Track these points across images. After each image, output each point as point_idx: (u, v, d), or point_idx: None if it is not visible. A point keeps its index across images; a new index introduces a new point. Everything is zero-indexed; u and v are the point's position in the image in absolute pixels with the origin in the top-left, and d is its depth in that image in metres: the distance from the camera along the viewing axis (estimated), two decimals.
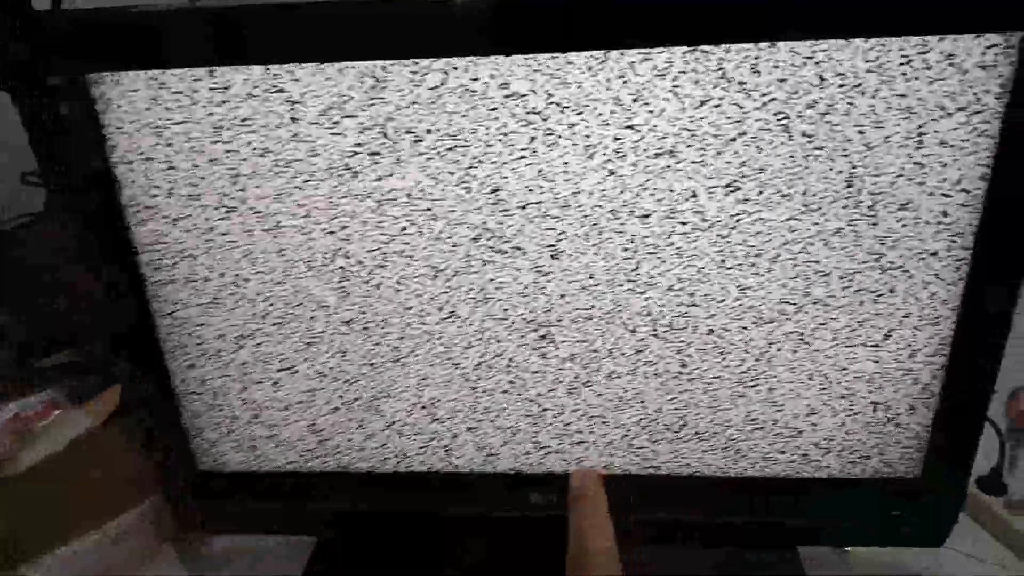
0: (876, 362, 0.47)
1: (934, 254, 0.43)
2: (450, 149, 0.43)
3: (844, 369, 0.47)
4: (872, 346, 0.46)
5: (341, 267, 0.47)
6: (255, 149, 0.44)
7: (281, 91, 0.42)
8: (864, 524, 0.54)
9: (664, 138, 0.41)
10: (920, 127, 0.40)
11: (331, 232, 0.46)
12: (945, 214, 0.42)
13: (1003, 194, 0.41)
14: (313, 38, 0.41)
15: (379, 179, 0.44)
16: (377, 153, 0.43)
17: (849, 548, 0.61)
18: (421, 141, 0.43)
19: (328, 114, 0.42)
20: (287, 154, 0.44)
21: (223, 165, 0.44)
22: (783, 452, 0.50)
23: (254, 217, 0.46)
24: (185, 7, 0.41)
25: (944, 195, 0.41)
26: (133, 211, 0.46)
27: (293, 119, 0.43)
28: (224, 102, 0.42)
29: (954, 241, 0.43)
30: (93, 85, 0.43)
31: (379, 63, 0.41)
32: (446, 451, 0.53)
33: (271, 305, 0.48)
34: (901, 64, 0.38)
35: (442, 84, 0.41)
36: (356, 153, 0.43)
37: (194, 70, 0.42)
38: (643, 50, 0.39)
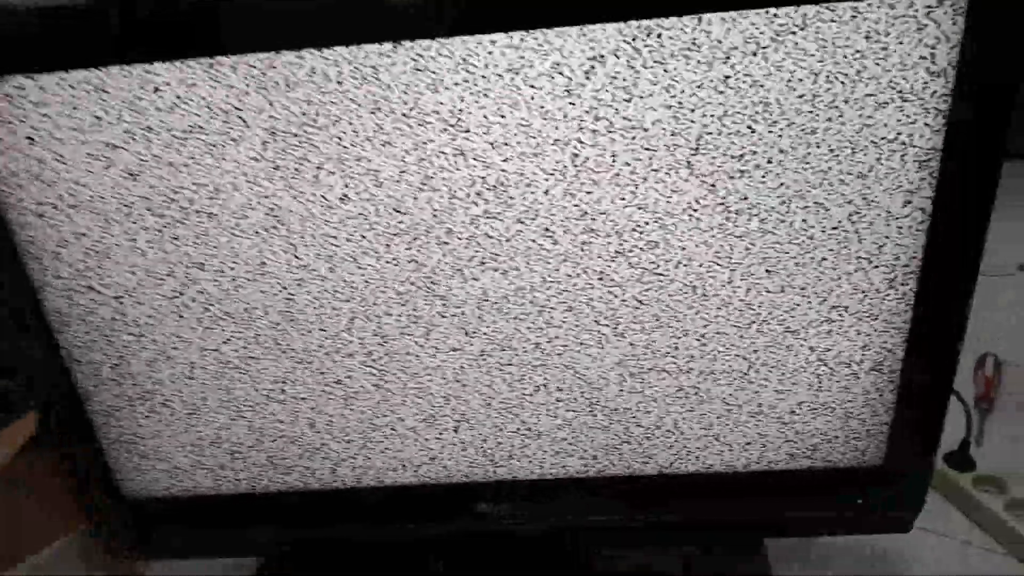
0: (832, 346, 0.44)
1: (892, 215, 0.40)
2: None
3: (801, 353, 0.44)
4: (827, 328, 0.43)
5: (270, 271, 0.43)
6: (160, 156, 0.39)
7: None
8: (829, 513, 0.51)
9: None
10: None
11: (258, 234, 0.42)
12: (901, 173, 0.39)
13: (958, 155, 0.38)
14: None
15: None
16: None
17: (815, 538, 0.59)
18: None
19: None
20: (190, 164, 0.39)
21: (123, 177, 0.40)
22: (745, 444, 0.48)
23: (169, 229, 0.41)
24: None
25: (899, 156, 0.38)
26: (22, 225, 0.42)
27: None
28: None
29: (910, 202, 0.40)
30: None
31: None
32: (391, 464, 0.50)
33: (192, 321, 0.44)
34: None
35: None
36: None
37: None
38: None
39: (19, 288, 0.44)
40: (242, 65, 0.37)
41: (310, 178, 0.40)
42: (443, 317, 0.44)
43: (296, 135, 0.39)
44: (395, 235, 0.41)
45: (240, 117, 0.38)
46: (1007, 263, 0.92)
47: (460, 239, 0.41)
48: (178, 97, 0.38)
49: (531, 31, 0.36)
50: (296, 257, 0.42)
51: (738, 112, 0.37)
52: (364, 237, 0.41)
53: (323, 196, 0.40)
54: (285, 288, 0.43)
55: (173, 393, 0.47)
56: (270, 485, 0.51)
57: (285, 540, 0.55)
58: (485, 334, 0.44)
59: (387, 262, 0.42)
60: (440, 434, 0.48)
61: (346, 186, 0.40)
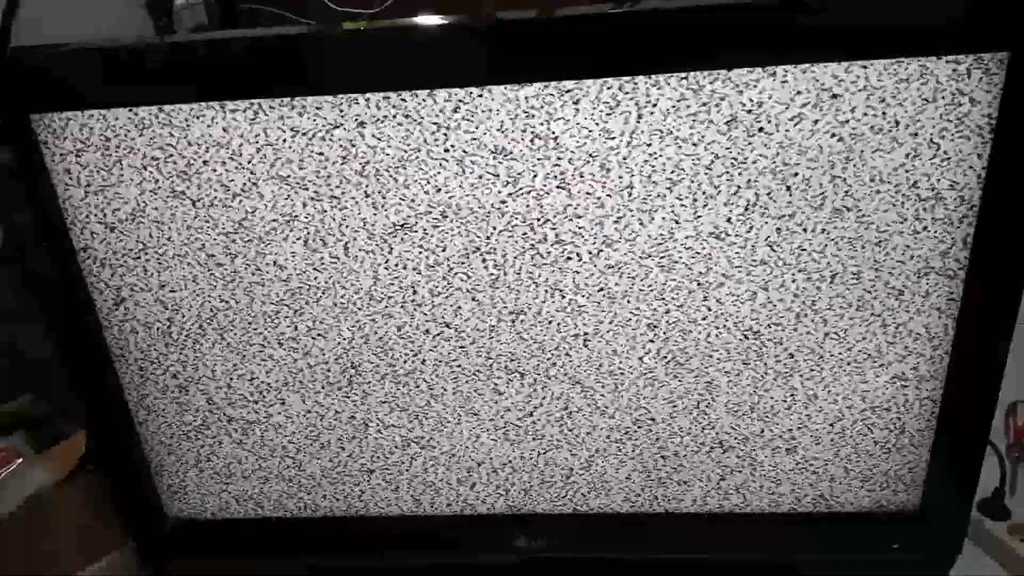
0: (870, 392, 0.45)
1: (931, 266, 0.41)
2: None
3: (839, 401, 0.45)
4: (865, 376, 0.44)
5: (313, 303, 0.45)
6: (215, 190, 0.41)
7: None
8: (865, 558, 0.51)
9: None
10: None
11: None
12: (942, 227, 0.40)
13: (998, 206, 0.39)
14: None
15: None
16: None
17: None
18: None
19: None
20: (237, 196, 0.41)
21: (180, 207, 0.42)
22: (780, 487, 0.48)
23: (211, 261, 0.43)
24: (145, 41, 0.39)
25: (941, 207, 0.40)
26: (84, 256, 0.44)
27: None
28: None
29: (948, 254, 0.41)
30: (36, 125, 0.40)
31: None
32: (430, 495, 0.50)
33: (239, 350, 0.46)
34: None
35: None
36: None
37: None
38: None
39: (69, 308, 0.46)
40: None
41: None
42: (484, 358, 0.45)
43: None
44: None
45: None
46: None
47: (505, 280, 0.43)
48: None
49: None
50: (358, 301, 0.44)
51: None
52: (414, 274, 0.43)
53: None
54: (334, 321, 0.45)
55: (223, 419, 0.49)
56: (309, 512, 0.52)
57: (324, 566, 0.56)
58: (527, 373, 0.45)
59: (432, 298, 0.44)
60: (477, 467, 0.49)
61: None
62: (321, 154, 0.40)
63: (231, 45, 0.38)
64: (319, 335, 0.45)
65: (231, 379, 0.47)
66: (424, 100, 0.38)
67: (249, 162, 0.40)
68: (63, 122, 0.40)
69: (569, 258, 0.42)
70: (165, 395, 0.48)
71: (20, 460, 0.58)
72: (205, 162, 0.41)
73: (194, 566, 0.56)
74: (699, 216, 0.40)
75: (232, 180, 0.41)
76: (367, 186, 0.40)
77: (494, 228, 0.41)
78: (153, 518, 0.53)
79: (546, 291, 0.43)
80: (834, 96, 0.37)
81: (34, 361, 0.61)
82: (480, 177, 0.40)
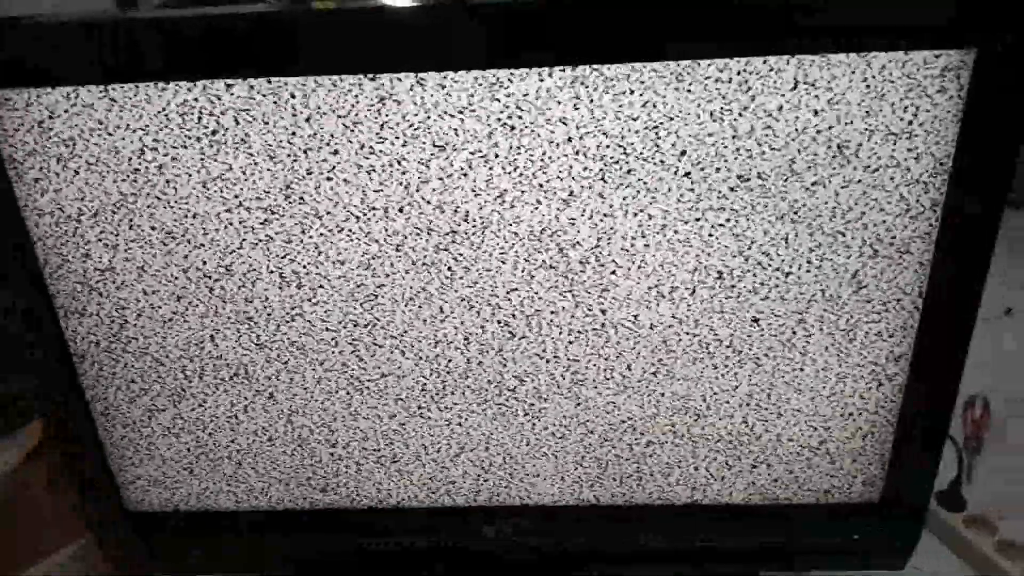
0: (832, 384, 0.45)
1: (894, 262, 0.42)
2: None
3: (800, 391, 0.46)
4: (828, 369, 0.45)
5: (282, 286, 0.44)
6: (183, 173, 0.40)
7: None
8: (824, 548, 0.52)
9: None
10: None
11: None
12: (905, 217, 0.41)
13: (961, 202, 0.40)
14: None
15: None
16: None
17: (810, 572, 0.60)
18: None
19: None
20: (213, 177, 0.40)
21: (144, 190, 0.41)
22: (740, 477, 0.49)
23: (170, 242, 0.42)
24: (106, 17, 0.38)
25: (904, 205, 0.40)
26: (42, 237, 0.43)
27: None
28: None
29: (909, 251, 0.41)
30: None
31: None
32: (398, 484, 0.50)
33: (199, 337, 0.45)
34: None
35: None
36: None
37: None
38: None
39: (28, 293, 0.45)
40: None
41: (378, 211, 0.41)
42: (458, 346, 0.45)
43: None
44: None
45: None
46: (993, 306, 0.94)
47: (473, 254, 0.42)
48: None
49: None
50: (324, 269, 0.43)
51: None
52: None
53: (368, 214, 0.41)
54: (302, 301, 0.44)
55: (182, 405, 0.48)
56: (278, 502, 0.51)
57: (293, 557, 0.55)
58: (500, 365, 0.45)
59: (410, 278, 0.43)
60: (450, 458, 0.49)
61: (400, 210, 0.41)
62: (290, 133, 0.39)
63: (193, 23, 0.37)
64: (288, 323, 0.44)
65: (197, 367, 0.46)
66: (400, 82, 0.38)
67: (212, 142, 0.39)
68: (15, 101, 0.39)
69: (525, 238, 0.42)
70: (125, 384, 0.47)
71: None
72: (165, 142, 0.39)
73: (157, 559, 0.54)
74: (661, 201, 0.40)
75: (194, 162, 0.40)
76: (340, 171, 0.40)
77: (467, 213, 0.41)
78: (112, 510, 0.52)
79: (516, 278, 0.43)
80: (794, 88, 0.37)
81: None
82: (451, 163, 0.39)
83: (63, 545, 0.57)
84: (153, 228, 0.42)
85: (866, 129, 0.38)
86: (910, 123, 0.38)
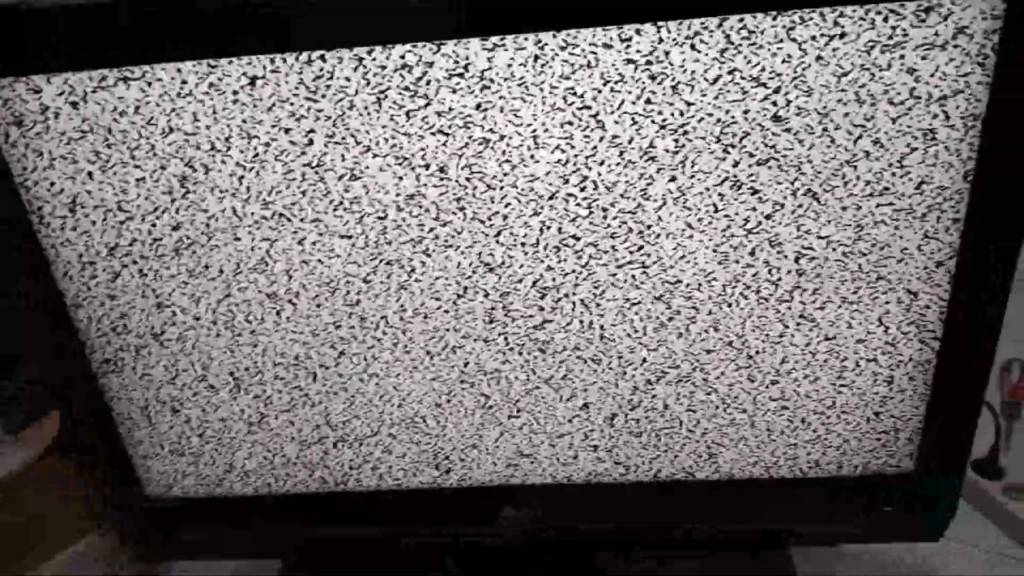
0: (864, 352, 0.43)
1: (927, 224, 0.40)
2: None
3: (831, 361, 0.44)
4: (860, 336, 0.43)
5: (293, 280, 0.43)
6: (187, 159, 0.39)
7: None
8: (858, 520, 0.51)
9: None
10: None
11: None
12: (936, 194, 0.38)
13: (996, 159, 0.37)
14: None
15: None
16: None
17: (842, 546, 0.58)
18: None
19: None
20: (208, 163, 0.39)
21: (152, 179, 0.40)
22: (771, 451, 0.47)
23: (183, 232, 0.41)
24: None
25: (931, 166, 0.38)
26: (48, 230, 0.42)
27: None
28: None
29: (945, 212, 0.39)
30: None
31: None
32: (411, 467, 0.49)
33: (214, 323, 0.44)
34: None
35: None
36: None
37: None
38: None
39: (44, 285, 0.44)
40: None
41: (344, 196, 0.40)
42: (469, 319, 0.43)
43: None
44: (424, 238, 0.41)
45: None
46: None
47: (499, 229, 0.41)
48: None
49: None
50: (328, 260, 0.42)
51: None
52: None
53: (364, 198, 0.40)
54: (305, 289, 0.43)
55: (195, 394, 0.47)
56: (290, 487, 0.51)
57: (305, 542, 0.55)
58: (514, 336, 0.44)
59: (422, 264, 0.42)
60: (465, 437, 0.48)
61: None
62: (280, 109, 0.38)
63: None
64: (305, 312, 0.44)
65: (209, 353, 0.46)
66: (388, 56, 0.36)
67: (196, 127, 0.38)
68: (16, 89, 0.38)
69: (535, 213, 0.40)
70: (141, 373, 0.47)
71: None
72: (155, 125, 0.39)
73: (173, 546, 0.54)
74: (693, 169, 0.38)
75: (187, 147, 0.39)
76: (332, 147, 0.39)
77: (467, 181, 0.39)
78: (131, 498, 0.52)
79: (524, 251, 0.41)
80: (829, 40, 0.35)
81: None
82: (451, 136, 0.38)
83: (81, 536, 0.57)
84: (159, 219, 0.41)
85: (895, 85, 0.36)
86: (942, 78, 0.35)
